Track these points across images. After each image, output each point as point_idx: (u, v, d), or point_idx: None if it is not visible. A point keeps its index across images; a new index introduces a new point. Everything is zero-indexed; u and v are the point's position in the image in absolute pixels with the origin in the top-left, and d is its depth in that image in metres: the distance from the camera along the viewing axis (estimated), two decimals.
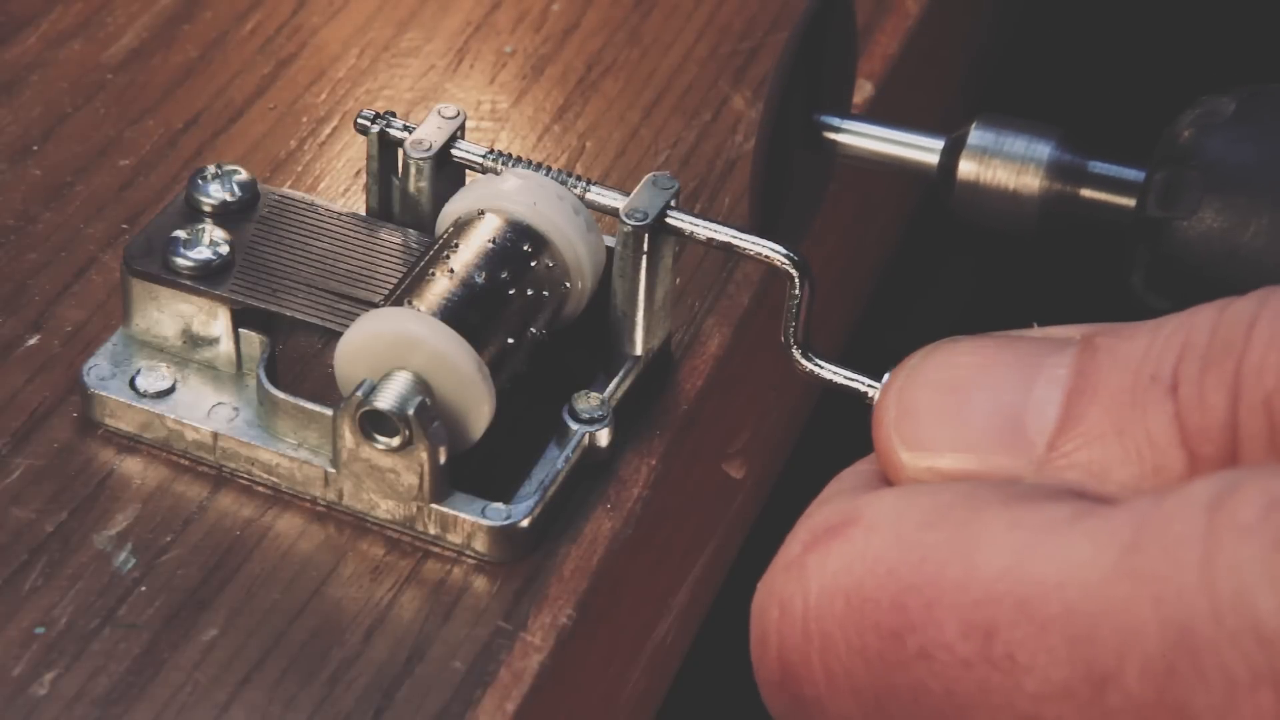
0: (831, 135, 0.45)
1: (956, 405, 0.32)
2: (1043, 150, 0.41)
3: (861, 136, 0.45)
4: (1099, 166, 0.40)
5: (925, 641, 0.30)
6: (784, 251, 0.42)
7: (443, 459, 0.41)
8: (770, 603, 0.32)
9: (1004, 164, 0.41)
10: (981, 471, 0.32)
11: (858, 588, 0.30)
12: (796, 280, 0.42)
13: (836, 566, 0.31)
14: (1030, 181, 0.41)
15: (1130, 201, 0.39)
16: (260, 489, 0.43)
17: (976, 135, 0.42)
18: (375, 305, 0.43)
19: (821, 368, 0.41)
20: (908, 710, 0.30)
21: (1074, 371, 0.31)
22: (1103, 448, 0.31)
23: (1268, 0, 0.80)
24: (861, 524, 0.31)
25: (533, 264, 0.43)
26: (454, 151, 0.46)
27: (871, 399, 0.38)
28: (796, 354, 0.41)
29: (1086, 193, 0.40)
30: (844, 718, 0.31)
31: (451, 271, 0.43)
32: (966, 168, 0.41)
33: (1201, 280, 0.36)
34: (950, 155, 0.42)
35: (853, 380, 0.39)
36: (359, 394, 0.41)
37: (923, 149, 0.44)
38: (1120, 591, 0.28)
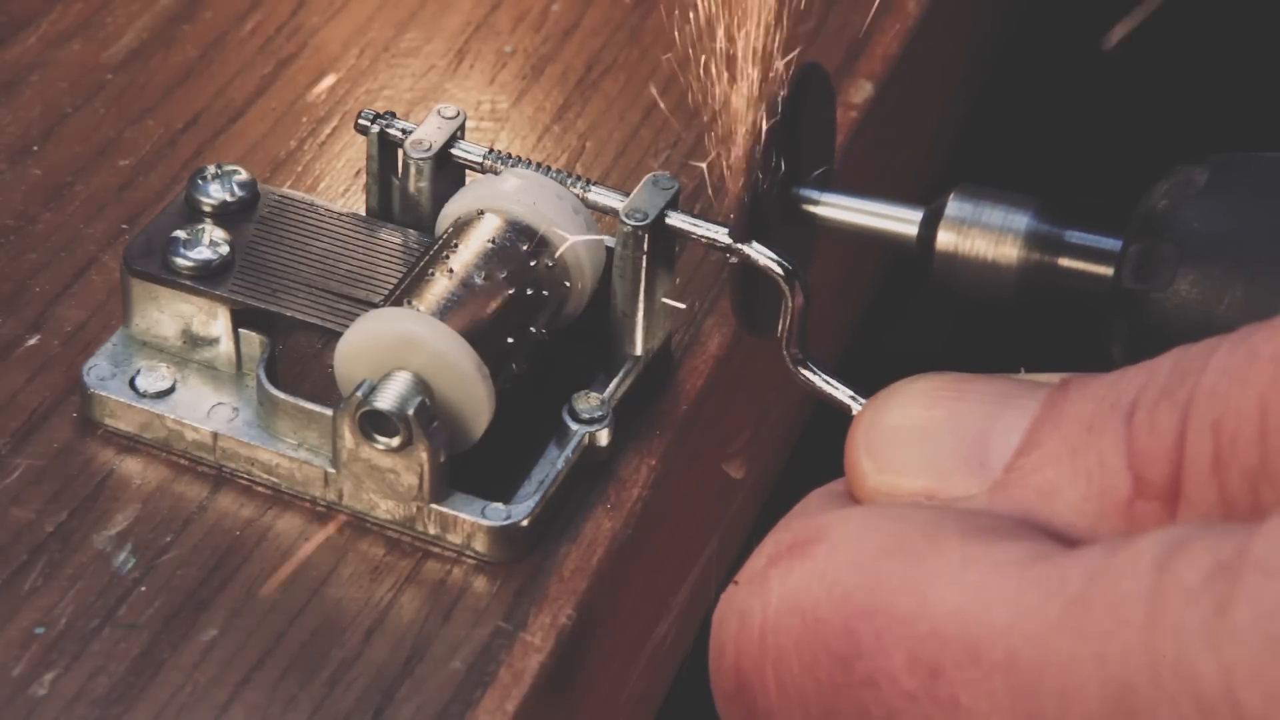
0: (810, 208, 0.45)
1: (926, 429, 0.33)
2: (1020, 220, 0.41)
3: (840, 209, 0.45)
4: (1076, 236, 0.40)
5: (872, 669, 0.30)
6: (777, 259, 0.42)
7: (443, 459, 0.41)
8: (730, 613, 0.33)
9: (982, 234, 0.41)
10: (940, 492, 0.32)
11: (814, 607, 0.31)
12: (789, 289, 0.42)
13: (796, 584, 0.32)
14: (1009, 252, 0.41)
15: (1108, 271, 0.39)
16: (260, 489, 0.43)
17: (954, 206, 0.42)
18: (375, 305, 0.43)
19: (811, 375, 0.41)
20: None
21: (1043, 404, 0.32)
22: (1055, 469, 0.31)
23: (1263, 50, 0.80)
24: (824, 543, 0.32)
25: (533, 264, 0.43)
26: (454, 151, 0.46)
27: (853, 413, 0.39)
28: (788, 360, 0.41)
29: (1064, 262, 0.40)
30: None
31: (451, 271, 0.43)
32: (945, 239, 0.42)
33: None
34: (929, 227, 0.42)
35: (839, 391, 0.40)
36: (359, 394, 0.41)
37: (901, 220, 0.44)
38: (1065, 645, 0.28)
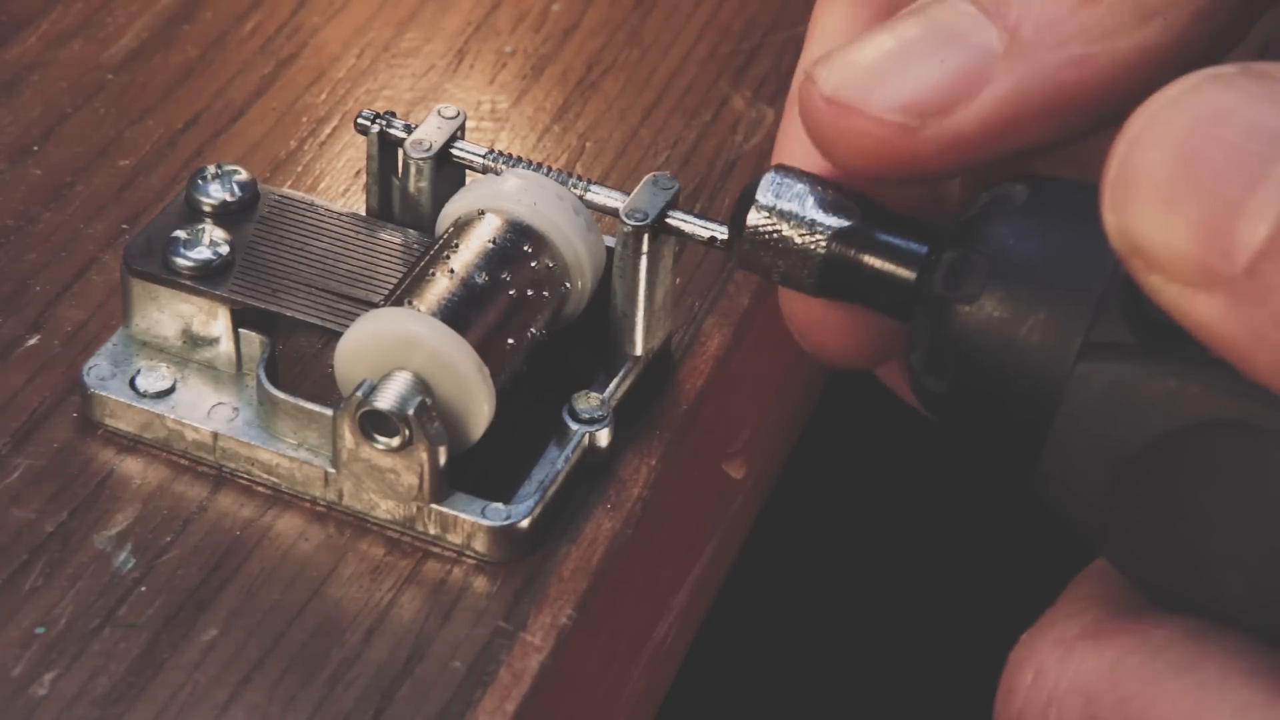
0: None
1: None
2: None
3: None
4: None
5: None
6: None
7: (443, 459, 0.41)
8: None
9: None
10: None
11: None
12: None
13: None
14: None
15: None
16: (260, 489, 0.43)
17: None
18: (375, 305, 0.43)
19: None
20: None
21: None
22: None
23: None
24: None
25: (533, 264, 0.43)
26: (454, 151, 0.46)
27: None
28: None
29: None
30: None
31: (452, 271, 0.43)
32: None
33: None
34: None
35: None
36: (359, 394, 0.41)
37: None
38: None
